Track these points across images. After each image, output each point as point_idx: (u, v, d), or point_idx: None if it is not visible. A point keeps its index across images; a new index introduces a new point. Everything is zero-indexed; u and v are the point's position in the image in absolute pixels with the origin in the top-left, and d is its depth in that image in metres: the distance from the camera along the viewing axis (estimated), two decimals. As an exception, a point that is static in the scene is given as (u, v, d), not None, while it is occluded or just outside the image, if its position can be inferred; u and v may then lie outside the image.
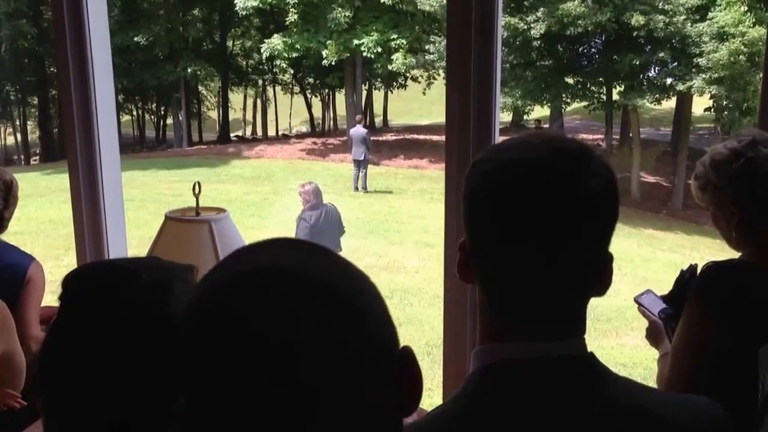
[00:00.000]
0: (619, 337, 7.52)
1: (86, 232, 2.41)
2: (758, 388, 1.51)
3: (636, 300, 1.95)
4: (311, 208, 7.60)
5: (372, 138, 17.33)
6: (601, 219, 0.86)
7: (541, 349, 0.87)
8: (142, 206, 12.79)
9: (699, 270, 1.72)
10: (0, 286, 2.22)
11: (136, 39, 23.63)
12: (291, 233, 7.90)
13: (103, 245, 2.41)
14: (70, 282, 1.11)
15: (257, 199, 14.61)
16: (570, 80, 19.01)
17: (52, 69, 24.77)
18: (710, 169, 1.69)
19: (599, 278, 0.89)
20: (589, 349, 0.90)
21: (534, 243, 0.84)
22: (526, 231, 0.84)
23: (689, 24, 16.48)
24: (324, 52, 20.53)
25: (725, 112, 17.23)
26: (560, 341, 0.88)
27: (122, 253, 2.49)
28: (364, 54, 20.60)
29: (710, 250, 10.92)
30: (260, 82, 31.96)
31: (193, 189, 2.06)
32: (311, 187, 7.75)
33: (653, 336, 1.92)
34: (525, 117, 21.61)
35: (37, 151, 28.43)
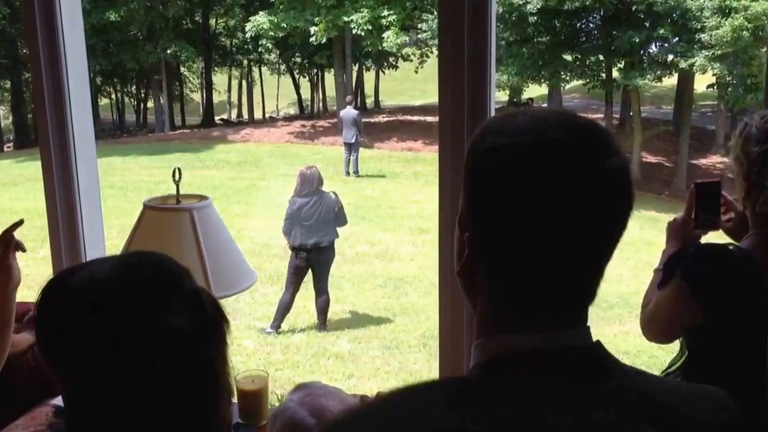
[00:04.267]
0: (623, 324, 7.55)
1: (60, 224, 2.39)
2: (737, 370, 1.65)
3: (697, 184, 1.88)
4: (298, 194, 7.60)
5: (363, 120, 17.25)
6: (621, 202, 0.86)
7: (546, 340, 0.86)
8: (122, 194, 12.74)
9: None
10: None
11: (112, 18, 23.41)
12: (279, 220, 7.91)
13: (79, 236, 2.38)
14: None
15: (243, 185, 14.57)
16: (568, 57, 18.97)
17: (25, 51, 24.53)
18: (740, 139, 1.71)
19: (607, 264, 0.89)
20: (592, 337, 0.90)
21: (555, 227, 0.83)
22: (548, 214, 0.83)
23: (690, -3, 16.47)
24: (312, 29, 20.39)
25: (729, 89, 17.23)
26: (566, 331, 0.87)
27: (99, 243, 2.46)
28: (354, 31, 20.47)
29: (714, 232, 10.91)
30: (245, 62, 31.77)
31: (173, 175, 2.03)
32: (301, 171, 7.74)
33: (671, 230, 1.94)
34: (522, 95, 21.60)
35: (11, 138, 28.22)
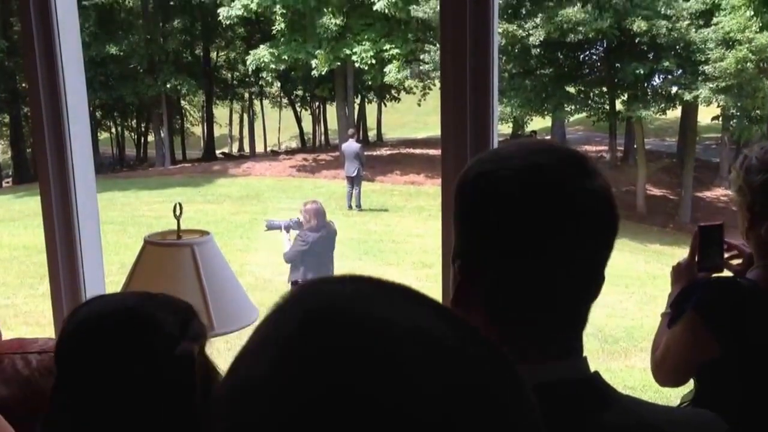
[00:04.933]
0: (628, 359, 7.49)
1: (60, 260, 2.38)
2: (748, 402, 1.67)
3: (701, 227, 1.89)
4: (311, 229, 7.65)
5: (366, 153, 17.32)
6: (606, 220, 0.88)
7: (543, 372, 0.87)
8: (123, 230, 12.75)
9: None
10: None
11: (112, 51, 23.63)
12: (281, 255, 7.92)
13: (78, 272, 2.38)
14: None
15: (245, 220, 14.58)
16: (571, 89, 19.08)
17: (23, 85, 24.69)
18: (740, 170, 1.74)
19: (598, 289, 0.91)
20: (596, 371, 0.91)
21: (546, 247, 0.85)
22: (538, 232, 0.85)
23: (693, 30, 16.59)
24: (314, 62, 20.58)
25: (733, 121, 17.31)
26: (563, 361, 0.89)
27: (99, 280, 2.46)
28: (357, 64, 20.66)
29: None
30: (246, 95, 31.99)
31: (174, 210, 2.04)
32: (312, 207, 7.82)
33: (676, 274, 1.94)
34: (525, 128, 21.69)
35: (10, 173, 28.32)
